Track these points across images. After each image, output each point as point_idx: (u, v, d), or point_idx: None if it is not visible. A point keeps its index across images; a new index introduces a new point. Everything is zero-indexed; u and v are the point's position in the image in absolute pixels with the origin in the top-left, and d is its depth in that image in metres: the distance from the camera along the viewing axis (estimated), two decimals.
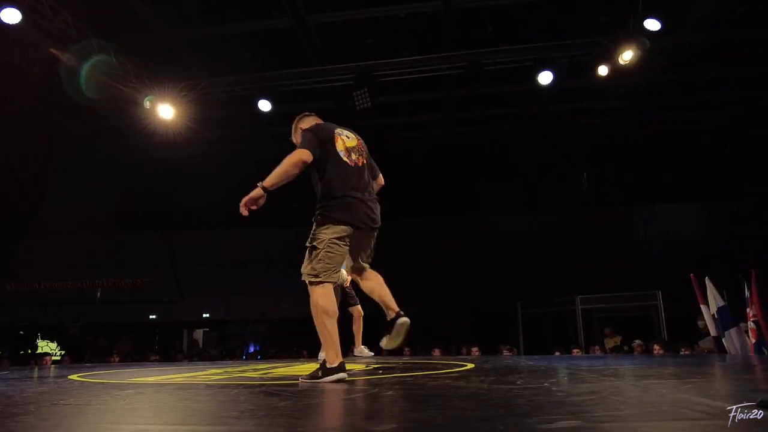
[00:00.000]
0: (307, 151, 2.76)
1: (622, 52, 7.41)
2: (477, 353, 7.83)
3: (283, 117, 10.25)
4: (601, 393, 1.67)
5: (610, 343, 8.51)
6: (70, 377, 3.24)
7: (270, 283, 13.13)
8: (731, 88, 10.10)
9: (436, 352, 8.35)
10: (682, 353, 6.06)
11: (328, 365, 2.57)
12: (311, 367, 3.94)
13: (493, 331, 10.84)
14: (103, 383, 2.84)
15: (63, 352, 12.10)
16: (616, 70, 7.77)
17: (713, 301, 5.43)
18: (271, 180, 2.70)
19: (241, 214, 2.71)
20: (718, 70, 9.43)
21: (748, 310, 5.43)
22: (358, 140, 3.09)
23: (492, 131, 12.14)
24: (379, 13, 8.00)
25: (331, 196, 2.80)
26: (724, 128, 11.26)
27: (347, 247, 2.80)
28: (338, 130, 3.01)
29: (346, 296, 5.58)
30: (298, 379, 2.71)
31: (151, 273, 13.04)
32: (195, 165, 11.88)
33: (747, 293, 5.49)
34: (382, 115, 10.36)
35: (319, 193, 2.87)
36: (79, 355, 11.36)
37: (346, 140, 2.99)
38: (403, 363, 4.12)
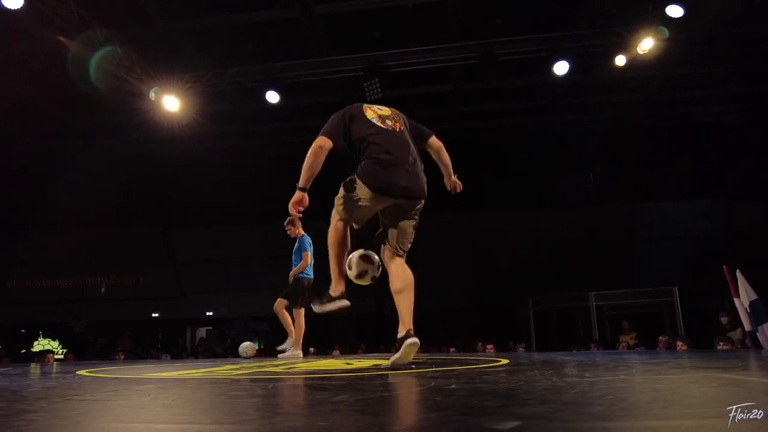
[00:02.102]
0: (324, 137, 2.73)
1: (639, 42, 7.23)
2: (492, 350, 7.64)
3: (289, 110, 10.12)
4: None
5: (627, 339, 8.34)
6: (78, 373, 3.03)
7: (273, 279, 12.94)
8: (741, 83, 9.94)
9: (452, 349, 8.17)
10: (719, 348, 5.81)
11: (331, 293, 2.83)
12: (328, 363, 3.75)
13: (502, 328, 10.67)
14: (117, 378, 2.64)
15: (65, 351, 11.88)
16: (634, 61, 7.58)
17: (745, 294, 5.24)
18: (303, 178, 2.72)
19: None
20: (728, 65, 9.26)
21: None
22: (393, 110, 2.99)
23: (498, 126, 11.96)
24: (387, 3, 7.82)
25: (368, 160, 2.70)
26: (736, 123, 11.09)
27: (370, 208, 2.76)
28: (366, 104, 2.96)
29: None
30: (333, 373, 2.51)
31: (152, 270, 12.83)
32: (197, 160, 11.66)
33: None
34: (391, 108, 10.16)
35: (356, 159, 2.80)
36: (81, 353, 11.15)
37: (378, 110, 2.91)
38: (427, 358, 3.92)
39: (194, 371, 3.03)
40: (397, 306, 2.74)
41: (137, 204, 12.85)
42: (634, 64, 7.73)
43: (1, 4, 6.02)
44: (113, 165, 11.72)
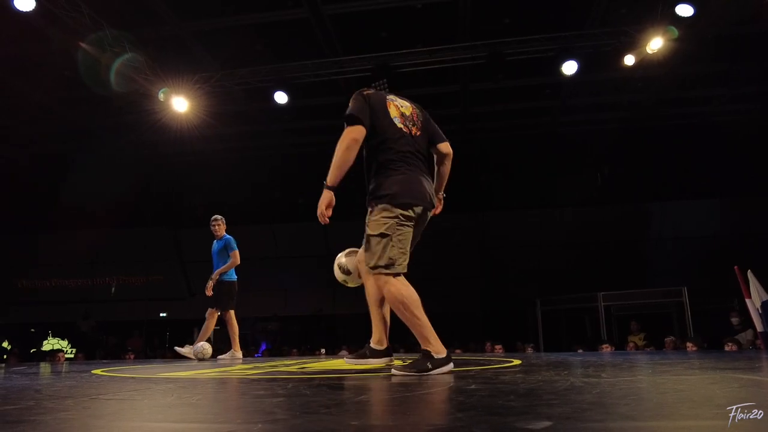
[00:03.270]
0: (358, 128, 2.43)
1: (648, 41, 7.21)
2: (501, 351, 7.63)
3: (298, 111, 10.17)
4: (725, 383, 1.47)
5: (636, 339, 8.31)
6: (93, 372, 3.06)
7: (280, 279, 12.99)
8: (752, 82, 9.88)
9: (458, 351, 8.16)
10: (727, 349, 5.80)
11: (435, 355, 2.28)
12: (339, 363, 3.75)
13: (510, 329, 10.65)
14: (133, 377, 2.66)
15: (75, 350, 11.96)
16: (642, 60, 7.57)
17: (757, 294, 5.21)
18: (333, 176, 2.42)
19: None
20: (737, 64, 9.21)
21: None
22: (413, 107, 2.74)
23: (506, 126, 11.95)
24: (395, 3, 7.83)
25: (388, 173, 2.47)
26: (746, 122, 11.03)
27: (413, 227, 2.48)
28: (390, 97, 2.68)
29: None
30: (347, 373, 2.52)
31: (161, 271, 12.90)
32: (206, 161, 11.72)
33: None
34: None
35: (373, 168, 2.54)
36: (90, 352, 11.21)
37: (400, 106, 2.65)
38: None
39: (208, 371, 3.05)
40: (381, 316, 2.81)
41: (147, 205, 12.92)
42: (643, 63, 7.70)
43: (13, 6, 6.07)
44: (124, 166, 11.80)
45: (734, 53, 8.78)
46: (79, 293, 12.89)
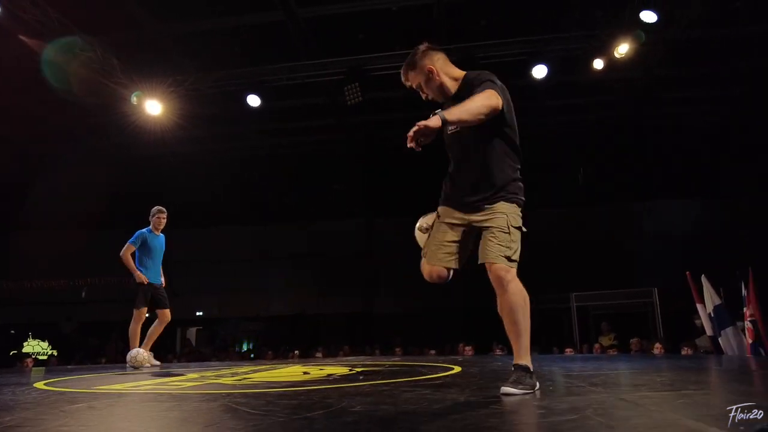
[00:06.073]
0: (501, 103, 2.21)
1: (617, 46, 7.27)
2: (471, 353, 7.70)
3: (274, 112, 10.18)
4: (584, 411, 1.52)
5: (605, 340, 8.40)
6: (35, 385, 3.09)
7: (264, 280, 13.02)
8: (728, 83, 9.96)
9: (432, 351, 8.25)
10: (683, 353, 5.92)
11: (531, 368, 2.22)
12: (291, 371, 3.79)
13: (487, 328, 10.69)
14: (71, 392, 2.69)
15: (53, 352, 11.94)
16: (612, 64, 7.63)
17: (709, 299, 5.29)
18: (458, 115, 2.10)
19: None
20: (714, 66, 9.28)
21: (744, 309, 5.29)
22: None
23: None
24: (371, 6, 7.85)
25: (517, 174, 2.38)
26: (720, 124, 11.12)
27: None
28: None
29: (159, 296, 5.57)
30: (270, 389, 2.57)
31: None
32: (185, 162, 11.72)
33: (744, 292, 5.36)
34: (375, 111, 10.19)
35: (501, 165, 2.34)
36: (70, 354, 11.20)
37: None
38: (390, 365, 3.98)
39: (146, 383, 3.08)
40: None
41: (126, 206, 12.89)
42: (616, 66, 7.76)
43: None
44: (102, 167, 11.77)
45: (707, 56, 8.85)
46: (59, 294, 12.86)
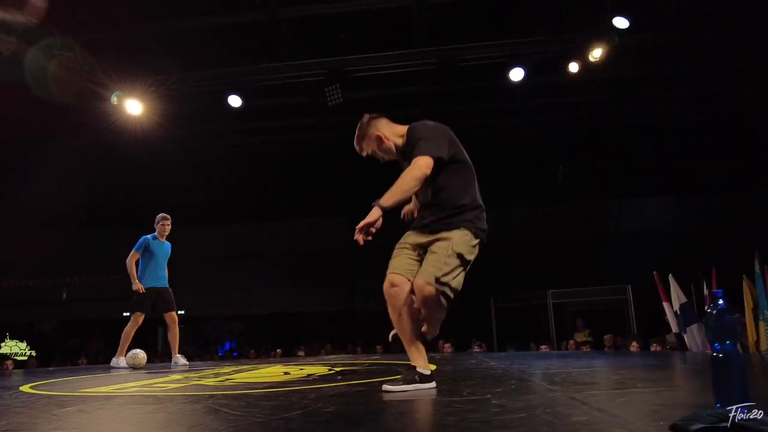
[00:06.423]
0: (431, 162, 2.39)
1: (592, 50, 7.48)
2: (450, 350, 7.88)
3: (255, 112, 10.22)
4: (534, 409, 1.67)
5: (579, 336, 8.64)
6: (21, 388, 3.16)
7: (245, 279, 13.06)
8: (700, 83, 10.27)
9: (379, 348, 8.38)
10: (652, 349, 6.15)
11: (423, 371, 2.42)
12: (271, 371, 3.90)
13: (466, 325, 10.90)
14: (57, 395, 2.77)
15: (32, 353, 11.84)
16: (587, 67, 7.84)
17: (676, 297, 5.53)
18: (391, 199, 2.31)
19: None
20: (686, 66, 9.56)
21: (706, 308, 5.48)
22: None
23: (465, 126, 12.14)
24: (352, 7, 7.93)
25: (471, 205, 2.56)
26: (694, 123, 11.45)
27: None
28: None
29: (162, 301, 5.62)
30: (251, 390, 2.68)
31: (123, 270, 12.80)
32: (166, 162, 11.70)
33: (706, 291, 5.60)
34: (358, 111, 10.26)
35: (451, 197, 2.52)
36: (50, 355, 11.14)
37: None
38: (368, 365, 4.12)
39: (131, 384, 3.17)
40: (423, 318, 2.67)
41: (107, 205, 12.81)
42: (591, 67, 7.97)
43: None
44: (82, 166, 11.68)
45: (684, 56, 9.12)
46: (39, 294, 12.74)
